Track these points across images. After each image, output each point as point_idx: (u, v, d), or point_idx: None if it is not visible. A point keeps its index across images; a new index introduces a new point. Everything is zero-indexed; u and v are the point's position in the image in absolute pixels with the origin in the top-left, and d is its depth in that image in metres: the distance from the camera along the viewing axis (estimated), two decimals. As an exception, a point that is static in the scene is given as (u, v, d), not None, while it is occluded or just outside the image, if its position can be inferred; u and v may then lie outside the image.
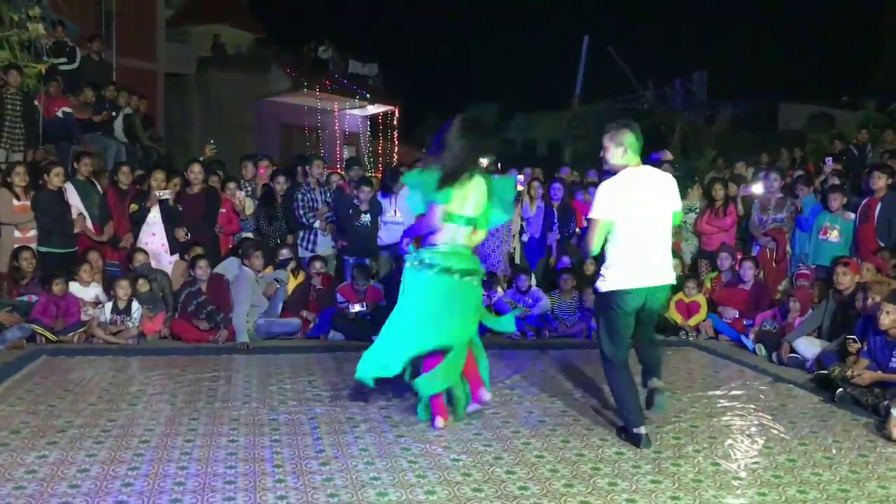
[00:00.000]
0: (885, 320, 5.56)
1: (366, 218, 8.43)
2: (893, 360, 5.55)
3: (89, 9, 16.43)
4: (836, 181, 9.19)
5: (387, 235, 8.74)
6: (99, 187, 8.43)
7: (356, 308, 7.75)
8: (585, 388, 5.81)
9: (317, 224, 8.56)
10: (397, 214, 8.72)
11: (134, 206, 8.13)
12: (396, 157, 22.53)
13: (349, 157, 19.85)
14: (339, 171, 10.19)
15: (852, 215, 8.20)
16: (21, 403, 5.08)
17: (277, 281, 7.94)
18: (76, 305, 7.36)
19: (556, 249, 9.21)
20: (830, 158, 10.89)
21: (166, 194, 8.11)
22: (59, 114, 10.02)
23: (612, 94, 21.51)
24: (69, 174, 8.19)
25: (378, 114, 24.42)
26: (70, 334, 7.15)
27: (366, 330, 7.62)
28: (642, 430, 4.48)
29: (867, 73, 23.38)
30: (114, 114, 11.15)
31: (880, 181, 8.06)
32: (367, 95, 22.94)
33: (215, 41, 22.66)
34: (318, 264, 8.14)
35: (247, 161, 9.57)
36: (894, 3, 22.23)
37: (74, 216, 7.97)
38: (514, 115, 32.04)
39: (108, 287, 7.63)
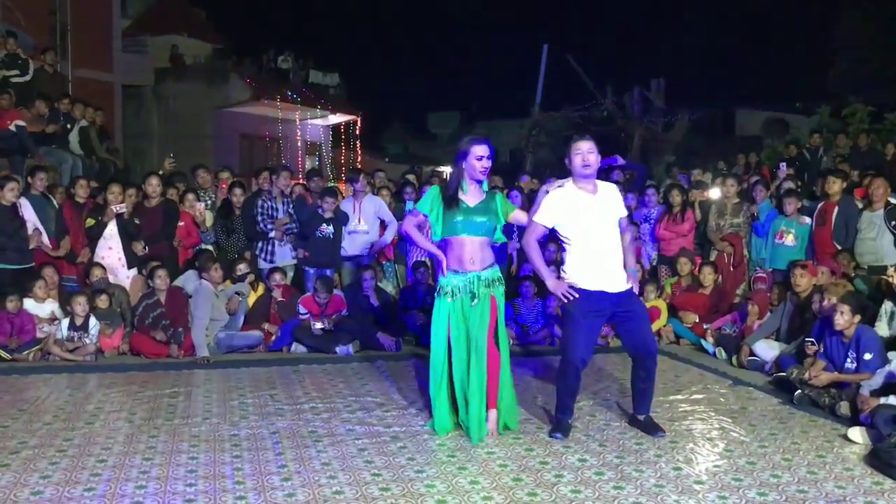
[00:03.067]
0: (840, 320, 5.66)
1: (329, 229, 8.38)
2: (849, 360, 5.66)
3: (43, 20, 16.18)
4: (791, 186, 9.36)
5: (350, 246, 8.71)
6: (55, 201, 8.27)
7: (318, 325, 7.68)
8: (548, 396, 5.80)
9: (272, 234, 8.49)
10: (362, 223, 8.70)
11: (90, 221, 7.98)
12: (360, 166, 22.45)
13: (311, 167, 19.76)
14: (301, 181, 10.12)
15: (808, 219, 8.35)
16: (-27, 425, 4.96)
17: (238, 294, 7.85)
18: (31, 322, 7.20)
19: (517, 257, 9.24)
20: (784, 163, 11.09)
21: (122, 208, 7.98)
22: (12, 127, 9.83)
23: (571, 103, 21.71)
24: (23, 189, 8.02)
25: (340, 123, 24.34)
26: (25, 352, 6.99)
27: (328, 342, 7.60)
28: (569, 421, 4.87)
29: (821, 78, 23.88)
30: (69, 125, 10.97)
31: (835, 185, 8.22)
32: (329, 105, 22.86)
33: (173, 52, 22.44)
34: (277, 276, 8.06)
35: (199, 170, 9.46)
36: (848, 11, 22.75)
37: (30, 231, 7.81)
38: (475, 124, 32.19)
39: (66, 303, 7.48)
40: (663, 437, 4.78)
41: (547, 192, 4.78)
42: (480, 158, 4.72)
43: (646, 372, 4.89)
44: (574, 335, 4.70)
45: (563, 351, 4.80)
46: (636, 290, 4.86)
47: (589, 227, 4.65)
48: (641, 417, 4.98)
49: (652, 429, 4.88)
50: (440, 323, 4.84)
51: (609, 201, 4.76)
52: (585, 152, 4.64)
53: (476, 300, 4.73)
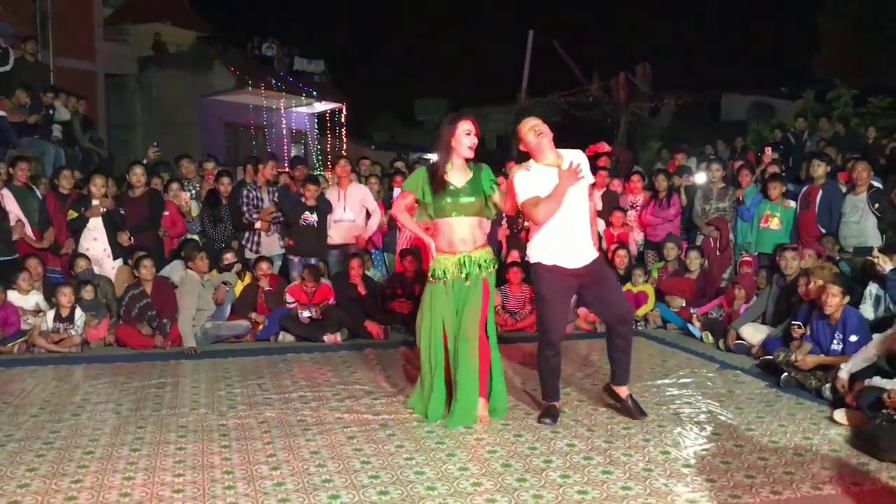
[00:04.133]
0: (831, 302, 5.69)
1: (312, 217, 8.34)
2: (835, 342, 5.70)
3: (24, 9, 16.00)
4: (776, 170, 9.40)
5: (337, 234, 8.67)
6: (38, 192, 8.20)
7: (306, 314, 7.66)
8: (536, 382, 5.80)
9: (258, 224, 8.46)
10: (347, 211, 8.65)
11: (73, 213, 7.91)
12: (345, 153, 22.35)
13: (296, 155, 19.64)
14: (286, 169, 10.05)
15: (792, 203, 8.39)
16: (-42, 418, 4.92)
17: (225, 284, 7.82)
18: (16, 315, 7.14)
19: (506, 244, 9.23)
20: (769, 148, 11.12)
21: (107, 204, 7.86)
22: (-8, 117, 9.73)
23: (558, 88, 21.65)
24: (5, 180, 7.94)
25: (326, 111, 24.19)
26: (10, 345, 6.94)
27: (316, 330, 7.59)
28: (556, 404, 4.88)
29: (806, 62, 23.94)
30: (52, 112, 10.85)
31: (819, 169, 8.26)
32: (314, 93, 22.72)
33: (156, 40, 22.23)
34: (264, 265, 8.03)
35: (182, 160, 9.39)
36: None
37: (13, 223, 7.74)
38: (462, 110, 32.11)
39: (50, 294, 7.42)
40: (649, 421, 4.80)
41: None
42: (469, 134, 4.67)
43: (621, 339, 4.86)
44: (549, 313, 4.74)
45: (541, 331, 4.82)
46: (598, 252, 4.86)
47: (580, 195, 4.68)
48: (623, 395, 4.95)
49: (636, 412, 4.88)
50: (431, 308, 4.81)
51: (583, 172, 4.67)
52: (539, 126, 4.66)
53: (468, 281, 4.72)
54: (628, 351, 4.91)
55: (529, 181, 4.67)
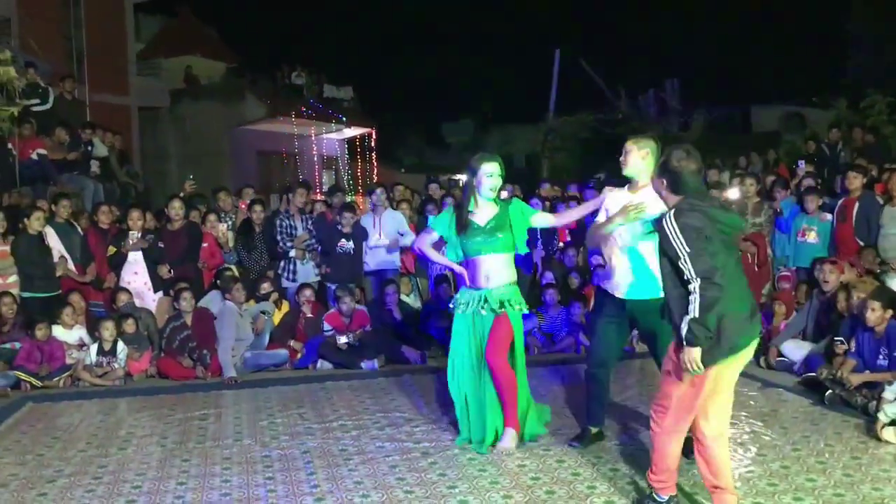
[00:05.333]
0: (871, 317, 5.62)
1: (348, 244, 8.42)
2: (881, 357, 5.61)
3: (59, 47, 16.42)
4: (811, 183, 9.30)
5: (372, 260, 8.73)
6: (79, 228, 8.38)
7: (343, 339, 7.72)
8: (575, 406, 5.79)
9: (292, 253, 8.55)
10: (382, 237, 8.72)
11: (112, 249, 8.07)
12: (376, 178, 22.53)
13: (330, 184, 19.82)
14: (318, 195, 10.14)
15: (829, 216, 8.29)
16: (8, 455, 5.02)
17: (263, 313, 7.91)
18: (60, 349, 7.28)
19: (541, 266, 9.23)
20: (802, 161, 11.00)
21: (141, 244, 8.01)
22: (34, 156, 9.98)
23: (586, 106, 21.68)
24: (48, 217, 8.12)
25: (355, 136, 24.44)
26: (55, 379, 7.07)
27: (354, 357, 7.63)
28: (591, 428, 4.82)
29: (837, 70, 23.67)
30: (90, 148, 11.09)
31: (856, 181, 8.16)
32: (344, 119, 22.97)
33: (188, 72, 22.65)
34: (307, 292, 8.12)
35: (220, 192, 9.53)
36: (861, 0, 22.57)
37: (56, 259, 7.91)
38: (489, 131, 32.19)
39: (93, 328, 7.56)
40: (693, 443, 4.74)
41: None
42: (490, 176, 4.79)
43: None
44: (592, 336, 4.88)
45: (587, 354, 4.91)
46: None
47: (619, 230, 4.55)
48: None
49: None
50: (456, 335, 4.94)
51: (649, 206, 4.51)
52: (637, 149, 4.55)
53: (483, 311, 4.80)
54: None
55: (610, 203, 4.67)
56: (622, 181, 4.79)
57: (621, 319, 4.71)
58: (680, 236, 3.30)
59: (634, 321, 4.70)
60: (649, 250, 4.58)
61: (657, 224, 3.50)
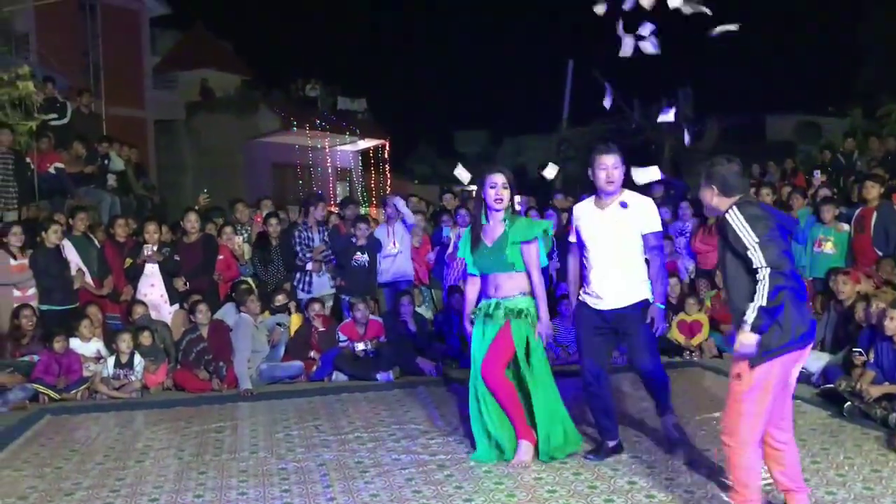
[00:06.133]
0: (891, 326, 5.58)
1: (363, 257, 8.45)
2: (901, 368, 5.56)
3: (76, 61, 16.58)
4: (827, 193, 9.25)
5: (387, 272, 8.76)
6: (96, 241, 8.45)
7: (360, 346, 7.74)
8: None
9: (309, 266, 8.59)
10: (396, 246, 8.75)
11: (128, 261, 8.13)
12: (389, 189, 22.59)
13: (344, 196, 19.87)
14: (332, 207, 10.14)
15: (846, 226, 8.24)
16: (27, 467, 5.05)
17: (280, 325, 7.93)
18: (78, 362, 7.32)
19: (556, 277, 9.21)
20: (818, 171, 10.94)
21: (151, 252, 8.04)
22: (52, 169, 10.08)
23: (599, 116, 21.65)
24: (65, 230, 8.19)
25: (369, 148, 24.54)
26: (73, 391, 7.11)
27: (369, 369, 7.63)
28: (609, 443, 4.80)
29: (852, 79, 23.54)
30: (107, 162, 11.19)
31: (873, 191, 8.12)
32: (357, 131, 23.07)
33: (203, 85, 22.83)
34: (316, 306, 8.13)
35: (237, 204, 9.56)
36: (874, 8, 22.43)
37: (73, 272, 7.97)
38: (503, 141, 32.24)
39: (110, 341, 7.60)
40: (710, 456, 4.72)
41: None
42: (494, 186, 4.81)
43: (648, 389, 4.93)
44: (579, 351, 4.88)
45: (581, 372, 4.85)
46: (655, 324, 4.69)
47: (595, 242, 4.69)
48: (661, 425, 4.97)
49: (674, 440, 4.86)
50: (473, 343, 4.95)
51: (633, 216, 4.66)
52: (610, 167, 4.62)
53: (491, 320, 4.81)
54: (658, 393, 4.89)
55: (576, 218, 4.87)
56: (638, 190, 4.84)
57: (606, 330, 4.76)
58: (746, 226, 3.40)
59: (616, 330, 4.77)
60: (629, 259, 4.68)
61: (720, 221, 3.56)
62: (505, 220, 4.86)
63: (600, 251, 4.68)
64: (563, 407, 4.90)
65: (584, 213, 4.81)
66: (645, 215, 4.71)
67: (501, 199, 4.80)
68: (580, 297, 4.84)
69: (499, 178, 4.80)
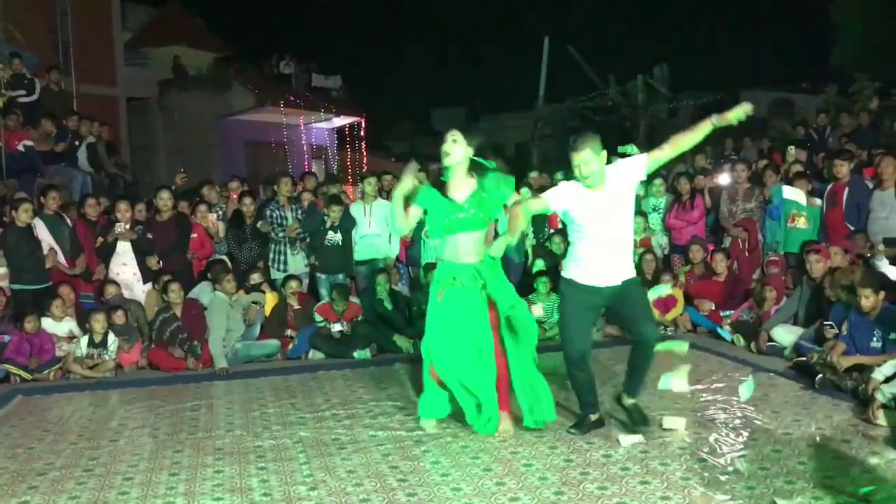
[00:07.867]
0: (865, 304, 5.65)
1: (336, 236, 8.38)
2: (874, 340, 5.63)
3: (45, 38, 16.22)
4: (800, 168, 9.32)
5: (363, 250, 8.70)
6: (68, 220, 8.32)
7: (337, 327, 7.71)
8: (569, 392, 5.79)
9: (281, 235, 8.54)
10: (373, 226, 8.68)
11: (100, 239, 8.03)
12: (365, 167, 22.47)
13: (328, 173, 19.72)
14: (303, 185, 9.94)
15: (818, 201, 8.32)
16: (-1, 448, 5.00)
17: (255, 304, 7.89)
18: (50, 342, 7.24)
19: (531, 253, 9.22)
20: (792, 147, 11.01)
21: (128, 235, 7.96)
22: (21, 147, 9.91)
23: (575, 94, 21.66)
24: (37, 209, 8.06)
25: (344, 125, 24.35)
26: (45, 371, 7.04)
27: (345, 347, 7.62)
28: (591, 417, 4.82)
29: (826, 56, 23.63)
30: (77, 143, 11.01)
31: (843, 168, 8.19)
32: (333, 108, 22.87)
33: (175, 62, 22.47)
34: (293, 284, 8.09)
35: (204, 186, 9.39)
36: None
37: (45, 251, 7.86)
38: (480, 118, 32.14)
39: (83, 320, 7.52)
40: (685, 428, 4.76)
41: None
42: (444, 143, 4.78)
43: (640, 357, 4.78)
44: (566, 329, 4.75)
45: (562, 346, 4.80)
46: None
47: (591, 219, 4.54)
48: (629, 403, 4.87)
49: (638, 420, 4.80)
50: (444, 320, 4.83)
51: (618, 187, 4.56)
52: (583, 165, 4.48)
53: (484, 290, 4.77)
54: (644, 366, 4.82)
55: (568, 189, 4.64)
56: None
57: (595, 307, 4.76)
58: None
59: (606, 306, 4.80)
60: (625, 236, 4.65)
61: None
62: (473, 176, 4.81)
63: (598, 230, 4.54)
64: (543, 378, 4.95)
65: (578, 191, 4.59)
66: (626, 171, 4.59)
67: (449, 156, 4.76)
68: (567, 276, 4.73)
69: (448, 134, 4.77)
